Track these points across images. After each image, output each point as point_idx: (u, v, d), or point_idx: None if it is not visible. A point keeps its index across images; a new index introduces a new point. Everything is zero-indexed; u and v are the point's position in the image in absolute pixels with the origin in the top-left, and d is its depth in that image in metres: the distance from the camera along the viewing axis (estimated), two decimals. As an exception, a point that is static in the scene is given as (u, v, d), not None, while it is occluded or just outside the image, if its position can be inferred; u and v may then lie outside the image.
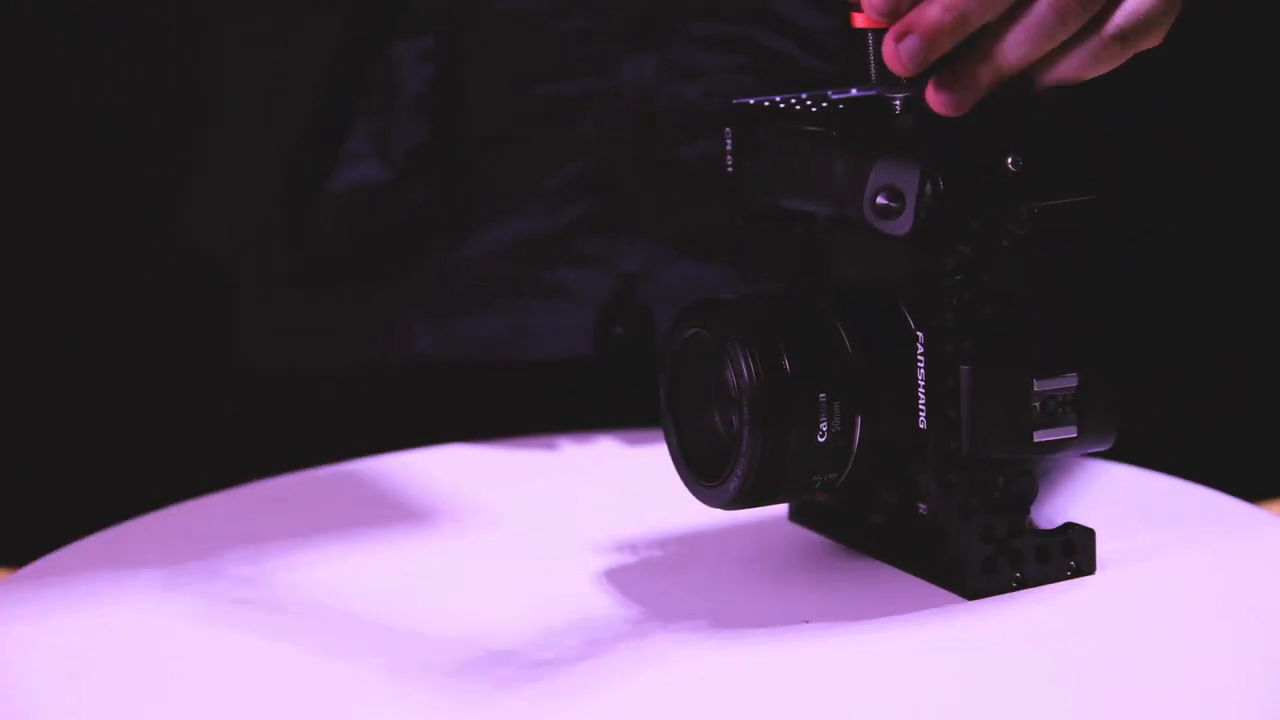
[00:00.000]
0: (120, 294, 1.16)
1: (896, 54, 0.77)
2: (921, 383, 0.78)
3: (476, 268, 1.04)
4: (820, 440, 0.78)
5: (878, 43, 0.80)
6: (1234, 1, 1.10)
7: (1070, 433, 0.79)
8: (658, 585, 0.83)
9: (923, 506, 0.80)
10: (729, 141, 0.84)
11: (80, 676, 0.77)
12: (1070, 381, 0.78)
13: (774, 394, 0.77)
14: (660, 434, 0.82)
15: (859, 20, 0.80)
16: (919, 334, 0.78)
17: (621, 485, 0.94)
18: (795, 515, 0.88)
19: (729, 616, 0.79)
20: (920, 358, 0.78)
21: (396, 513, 0.92)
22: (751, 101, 0.84)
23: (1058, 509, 0.87)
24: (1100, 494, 0.90)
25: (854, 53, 0.81)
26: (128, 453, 1.16)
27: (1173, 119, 1.23)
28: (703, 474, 0.80)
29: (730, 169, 0.84)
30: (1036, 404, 0.78)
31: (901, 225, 0.77)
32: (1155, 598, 0.79)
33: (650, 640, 0.78)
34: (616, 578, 0.83)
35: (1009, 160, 0.77)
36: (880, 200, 0.77)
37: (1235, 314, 1.30)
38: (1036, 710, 0.72)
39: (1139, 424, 0.84)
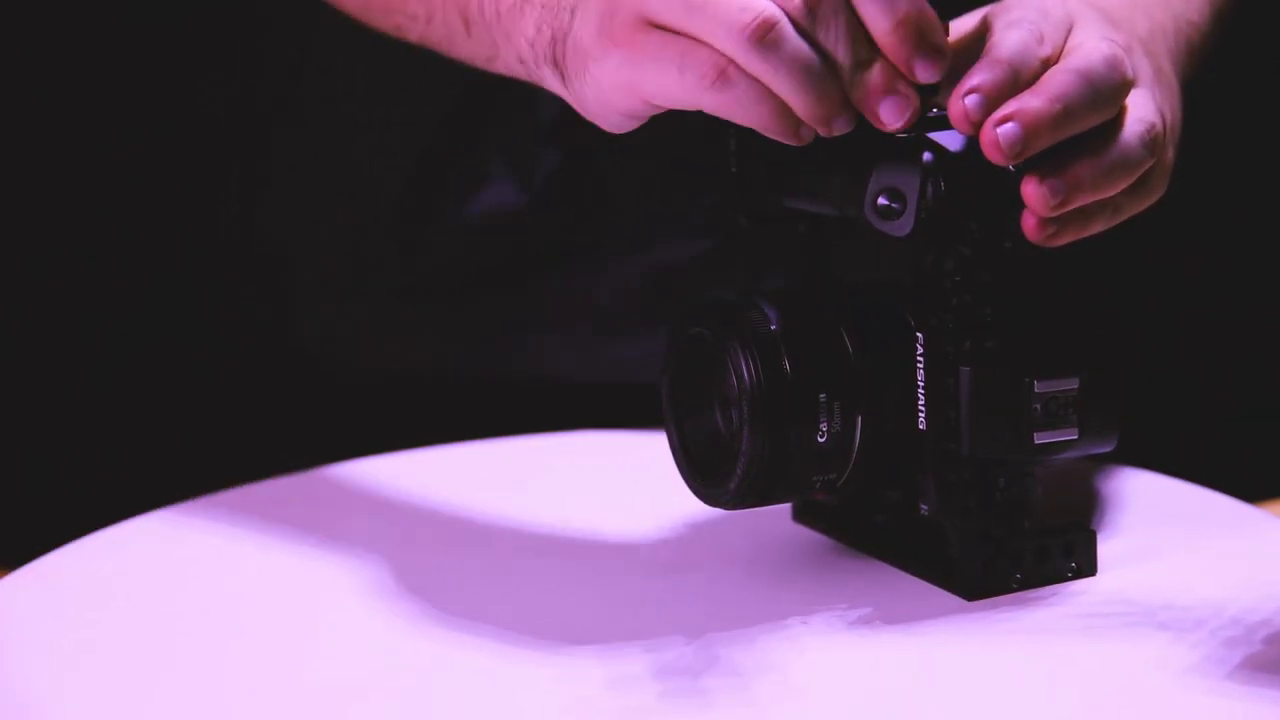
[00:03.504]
0: (139, 292, 1.16)
1: (995, 140, 0.76)
2: (922, 383, 0.78)
3: (618, 291, 1.03)
4: (820, 440, 0.78)
5: None
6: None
7: (1071, 435, 0.79)
8: (657, 585, 0.83)
9: (924, 507, 0.80)
10: (733, 142, 0.84)
11: (80, 676, 0.77)
12: (1071, 384, 0.78)
13: (774, 394, 0.77)
14: (662, 433, 0.82)
15: None
16: (919, 335, 0.78)
17: (621, 484, 0.94)
18: (798, 515, 0.88)
19: (727, 618, 0.79)
20: (920, 358, 0.78)
21: (399, 513, 0.92)
22: None
23: (1060, 511, 0.87)
24: (1101, 494, 0.90)
25: None
26: (127, 452, 1.16)
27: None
28: (703, 474, 0.80)
29: (735, 169, 0.84)
30: (1037, 405, 0.78)
31: (903, 227, 0.77)
32: (1155, 598, 0.79)
33: (651, 640, 0.78)
34: (616, 577, 0.83)
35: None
36: (881, 201, 0.77)
37: (1235, 314, 1.30)
38: (1036, 711, 0.72)
39: (1135, 422, 0.83)
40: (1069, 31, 0.80)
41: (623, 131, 0.79)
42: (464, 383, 1.07)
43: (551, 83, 0.80)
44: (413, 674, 0.76)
